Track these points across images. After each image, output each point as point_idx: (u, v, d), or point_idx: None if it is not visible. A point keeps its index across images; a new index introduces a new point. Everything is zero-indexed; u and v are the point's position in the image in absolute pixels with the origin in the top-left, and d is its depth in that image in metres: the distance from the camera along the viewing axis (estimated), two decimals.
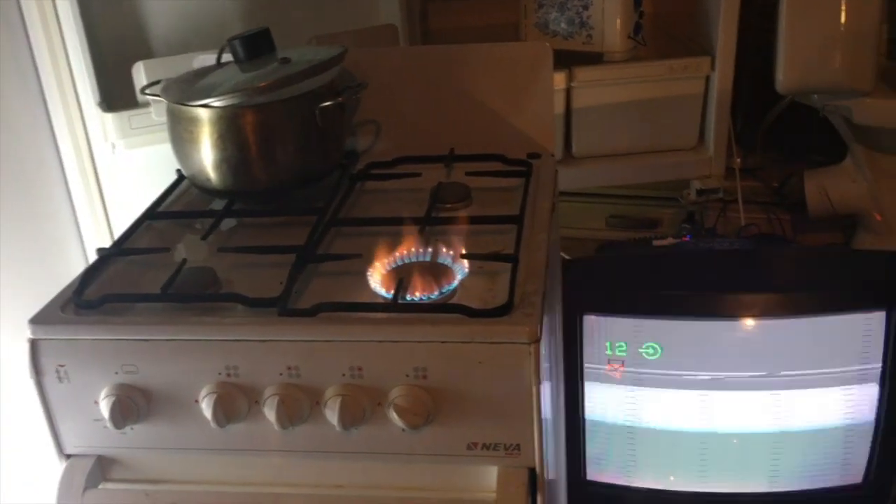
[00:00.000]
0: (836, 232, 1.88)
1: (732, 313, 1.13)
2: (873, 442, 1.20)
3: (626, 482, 1.29)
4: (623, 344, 1.18)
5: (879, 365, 1.15)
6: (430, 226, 0.87)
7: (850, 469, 1.23)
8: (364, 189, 1.02)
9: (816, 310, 1.13)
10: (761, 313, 1.13)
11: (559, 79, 1.57)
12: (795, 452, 1.23)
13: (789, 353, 1.15)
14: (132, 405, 0.74)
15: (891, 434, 1.19)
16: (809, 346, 1.14)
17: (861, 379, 1.17)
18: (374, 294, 0.76)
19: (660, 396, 1.21)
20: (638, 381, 1.20)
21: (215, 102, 0.88)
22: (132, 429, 0.76)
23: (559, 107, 1.62)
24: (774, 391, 1.18)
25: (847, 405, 1.20)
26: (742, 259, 1.28)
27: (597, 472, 1.28)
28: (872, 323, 1.13)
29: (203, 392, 0.73)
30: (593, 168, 1.67)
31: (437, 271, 0.77)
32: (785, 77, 1.53)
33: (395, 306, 0.72)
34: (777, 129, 1.93)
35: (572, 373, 1.19)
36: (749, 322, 1.14)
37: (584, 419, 1.24)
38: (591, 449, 1.27)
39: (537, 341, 0.69)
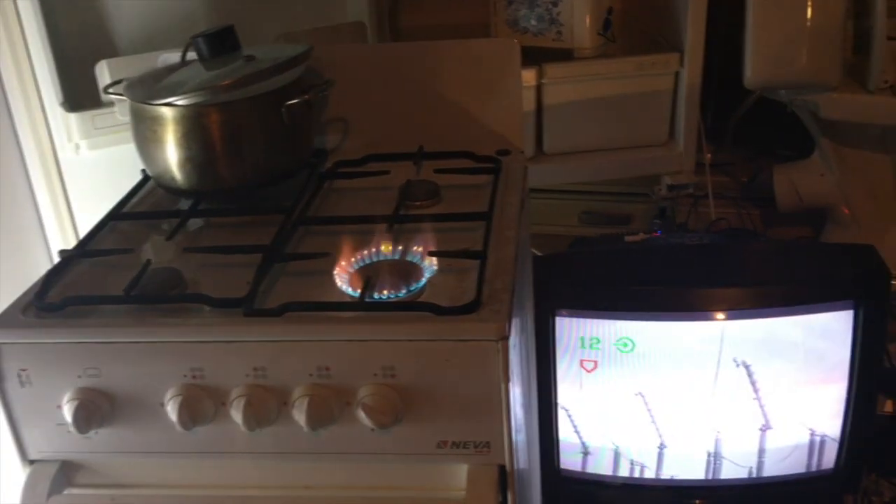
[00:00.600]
0: (806, 226, 1.89)
1: (703, 307, 1.14)
2: (843, 431, 1.21)
3: (601, 475, 1.29)
4: (596, 339, 1.18)
5: (848, 355, 1.16)
6: (399, 224, 0.86)
7: (822, 457, 1.25)
8: (333, 187, 1.01)
9: (786, 303, 1.13)
10: (732, 306, 1.13)
11: (530, 76, 1.57)
12: (769, 443, 1.24)
13: (759, 346, 1.16)
14: (96, 409, 0.73)
15: (860, 423, 1.20)
16: (780, 338, 1.15)
17: (831, 369, 1.18)
18: (342, 293, 0.76)
19: (634, 391, 1.21)
20: (612, 377, 1.21)
21: (179, 101, 0.87)
22: (96, 433, 0.75)
23: (530, 104, 1.62)
24: (746, 384, 1.19)
25: (818, 395, 1.21)
26: (712, 253, 1.29)
27: (571, 465, 1.29)
28: (841, 314, 1.14)
29: (168, 395, 0.72)
30: (565, 165, 1.67)
31: (404, 269, 0.77)
32: (752, 72, 1.54)
33: (362, 305, 0.72)
34: (747, 124, 1.95)
35: (545, 369, 1.19)
36: (720, 315, 1.14)
37: (557, 415, 1.24)
38: (566, 444, 1.27)
39: (505, 338, 0.68)
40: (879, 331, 1.16)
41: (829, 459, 1.24)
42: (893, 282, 1.68)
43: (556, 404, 1.23)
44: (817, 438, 1.23)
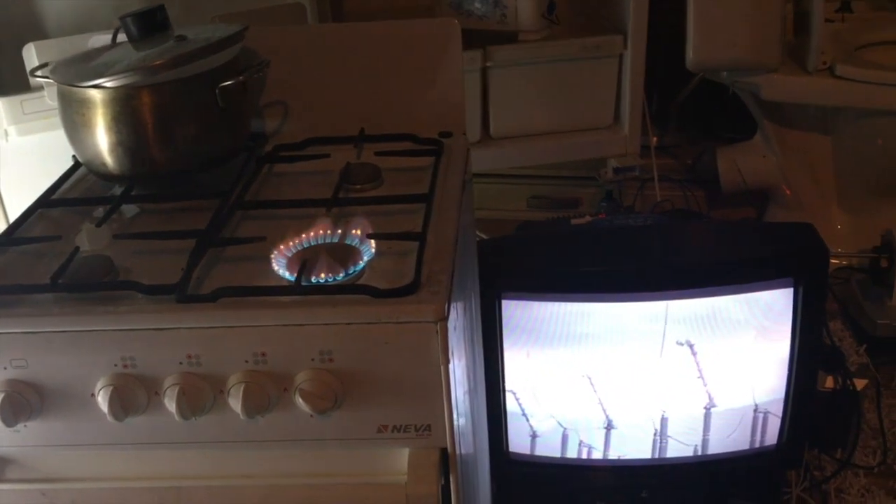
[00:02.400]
0: (750, 207, 1.93)
1: (646, 287, 1.14)
2: (785, 407, 1.23)
3: (549, 457, 1.29)
4: (541, 322, 1.18)
5: (789, 332, 1.18)
6: (338, 207, 0.85)
7: (765, 434, 1.27)
8: (272, 172, 0.99)
9: (727, 281, 1.14)
10: (674, 286, 1.14)
11: (475, 58, 1.57)
12: (713, 420, 1.25)
13: (702, 325, 1.17)
14: (23, 401, 0.70)
15: (801, 399, 1.22)
16: (722, 317, 1.16)
17: (772, 347, 1.20)
18: (279, 278, 0.74)
19: (581, 372, 1.21)
20: (558, 359, 1.21)
21: (107, 83, 0.84)
22: (25, 426, 0.72)
23: (476, 87, 1.62)
24: (690, 362, 1.20)
25: (761, 372, 1.22)
26: (655, 234, 1.30)
27: (520, 448, 1.29)
28: (781, 292, 1.16)
29: (99, 385, 0.70)
30: (511, 148, 1.68)
31: (342, 252, 0.75)
32: (694, 54, 1.56)
33: (298, 289, 0.70)
34: (692, 108, 1.97)
35: (492, 353, 1.19)
36: (663, 295, 1.15)
37: (505, 398, 1.24)
38: (514, 427, 1.27)
39: (444, 319, 0.68)
40: (818, 308, 1.18)
41: (772, 435, 1.26)
42: (837, 261, 1.72)
43: (503, 388, 1.23)
44: (760, 415, 1.25)
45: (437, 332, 0.68)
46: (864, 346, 1.54)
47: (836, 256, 1.70)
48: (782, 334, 1.18)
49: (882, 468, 1.42)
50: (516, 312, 1.17)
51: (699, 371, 1.21)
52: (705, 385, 1.22)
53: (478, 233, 1.64)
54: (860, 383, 1.39)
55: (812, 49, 1.57)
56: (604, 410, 1.24)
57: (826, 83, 1.59)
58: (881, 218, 1.67)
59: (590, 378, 1.21)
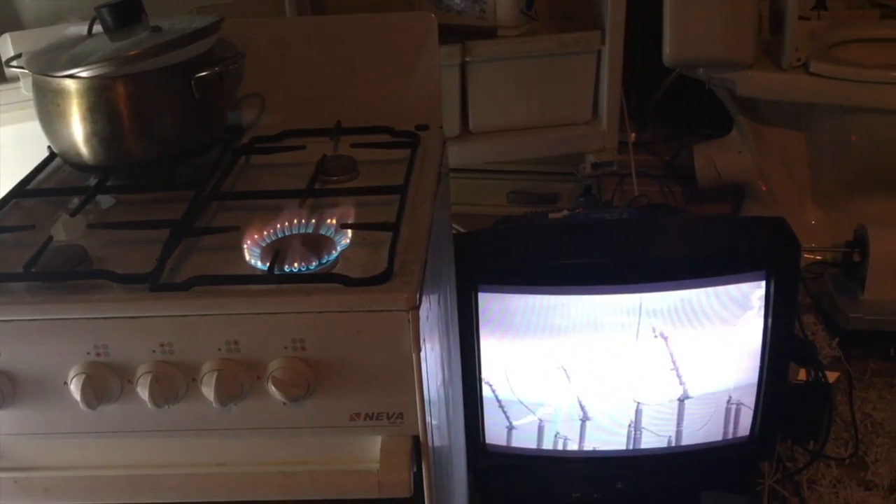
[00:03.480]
0: (726, 202, 1.94)
1: (621, 280, 1.15)
2: (757, 399, 1.25)
3: (525, 449, 1.30)
4: (517, 315, 1.19)
5: (761, 324, 1.19)
6: (313, 198, 0.85)
7: (738, 425, 1.28)
8: (249, 164, 0.99)
9: (700, 274, 1.16)
10: (648, 279, 1.15)
11: (453, 53, 1.57)
12: (689, 412, 1.27)
13: (676, 318, 1.18)
14: None
15: (773, 391, 1.24)
16: (696, 309, 1.18)
17: (745, 339, 1.21)
18: (253, 268, 0.75)
19: (556, 364, 1.22)
20: (534, 351, 1.22)
21: (82, 73, 0.84)
22: None
23: (455, 82, 1.62)
24: (664, 354, 1.22)
25: (734, 364, 1.24)
26: (630, 228, 1.31)
27: (496, 440, 1.30)
28: (753, 285, 1.17)
29: (72, 373, 0.70)
30: (490, 143, 1.68)
31: (316, 242, 0.76)
32: (670, 50, 1.57)
33: (271, 278, 0.71)
34: (671, 104, 1.99)
35: (468, 345, 1.20)
36: (637, 288, 1.16)
37: (481, 391, 1.25)
38: (490, 418, 1.28)
39: (416, 308, 0.68)
40: (791, 300, 1.20)
41: (745, 427, 1.28)
42: (810, 255, 1.74)
43: (479, 379, 1.24)
44: (733, 406, 1.27)
45: (408, 320, 0.68)
46: (837, 339, 1.56)
47: (809, 251, 1.72)
48: (755, 327, 1.20)
49: (853, 460, 1.44)
50: (492, 305, 1.18)
51: (673, 363, 1.22)
52: (679, 377, 1.23)
53: (457, 227, 1.65)
54: (832, 376, 1.41)
55: (787, 46, 1.59)
56: (579, 402, 1.26)
57: (800, 80, 1.61)
58: (855, 213, 1.69)
59: (565, 370, 1.22)
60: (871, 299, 1.52)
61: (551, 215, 1.52)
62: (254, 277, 0.72)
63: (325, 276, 0.71)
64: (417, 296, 0.69)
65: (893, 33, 1.77)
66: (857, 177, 1.71)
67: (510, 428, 1.29)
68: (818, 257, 1.73)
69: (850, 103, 1.60)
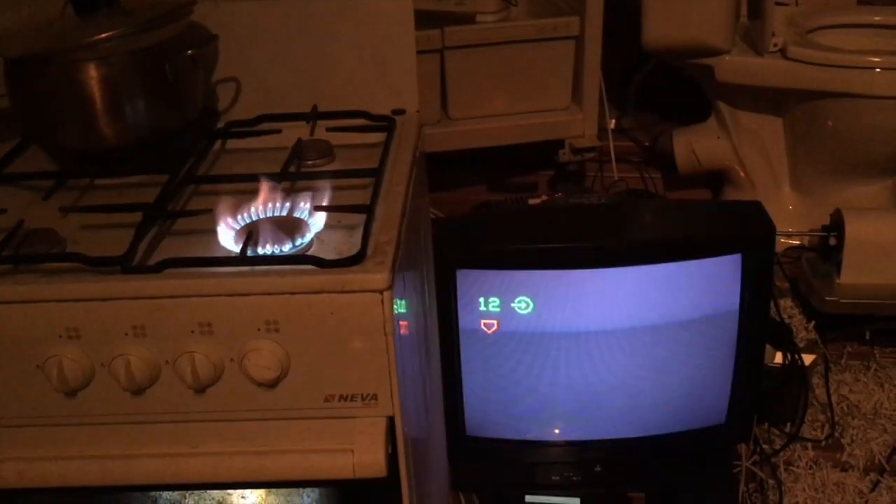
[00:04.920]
0: (705, 188, 1.95)
1: (598, 263, 1.16)
2: (734, 382, 1.26)
3: (506, 436, 1.31)
4: (496, 299, 1.19)
5: (737, 307, 1.20)
6: (289, 181, 0.85)
7: (715, 408, 1.29)
8: (225, 148, 0.99)
9: (676, 257, 1.16)
10: (624, 262, 1.16)
11: (433, 39, 1.57)
12: (665, 397, 1.28)
13: (652, 302, 1.19)
14: None
15: (749, 374, 1.25)
16: (671, 293, 1.18)
17: (721, 323, 1.22)
18: (226, 250, 0.74)
19: (534, 350, 1.23)
20: (512, 337, 1.22)
21: (54, 57, 0.83)
22: None
23: (435, 68, 1.62)
24: (641, 339, 1.22)
25: (709, 348, 1.25)
26: (607, 212, 1.32)
27: (477, 427, 1.30)
28: (729, 268, 1.18)
29: (44, 356, 0.70)
30: (470, 129, 1.69)
31: (290, 225, 0.76)
32: (648, 36, 1.58)
33: (243, 259, 0.71)
34: (651, 90, 1.99)
35: (447, 330, 1.20)
36: (614, 270, 1.17)
37: (461, 377, 1.25)
38: (470, 404, 1.28)
39: (389, 289, 0.69)
40: (766, 283, 1.21)
41: (721, 410, 1.29)
42: (787, 240, 1.75)
43: (459, 367, 1.24)
44: (709, 389, 1.28)
45: (381, 301, 0.69)
46: (813, 322, 1.57)
47: (786, 236, 1.73)
48: (730, 310, 1.21)
49: (829, 441, 1.45)
50: (472, 289, 1.18)
51: (650, 347, 1.23)
52: (657, 360, 1.24)
53: (437, 213, 1.65)
54: (808, 359, 1.42)
55: (764, 32, 1.60)
56: (557, 388, 1.26)
57: (778, 65, 1.62)
58: (832, 198, 1.70)
59: (544, 356, 1.23)
60: (847, 283, 1.53)
61: (530, 201, 1.52)
62: (226, 259, 0.72)
63: (297, 258, 0.72)
64: (390, 277, 0.69)
65: (870, 19, 1.78)
66: (834, 162, 1.72)
67: (490, 414, 1.30)
68: (795, 242, 1.74)
69: (827, 88, 1.61)
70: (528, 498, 1.34)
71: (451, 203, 1.85)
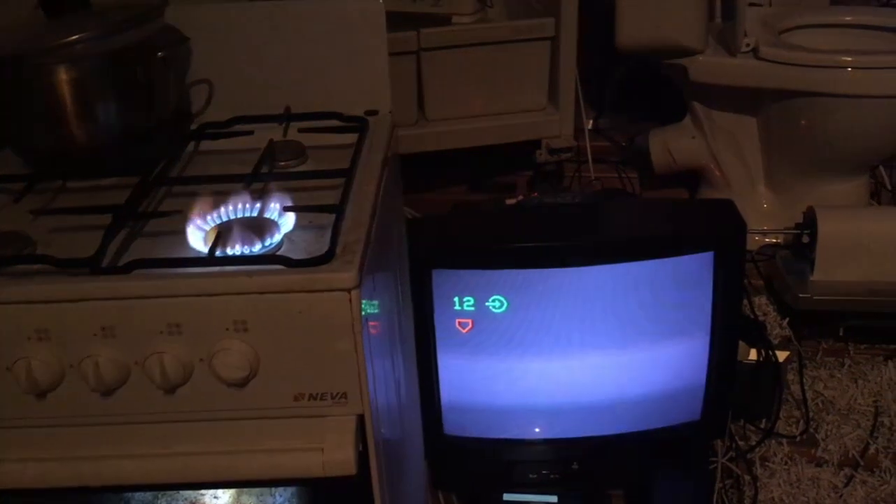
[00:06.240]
0: (682, 188, 1.97)
1: (571, 262, 1.17)
2: (708, 377, 1.27)
3: (483, 434, 1.32)
4: (470, 299, 1.20)
5: (710, 304, 1.21)
6: (259, 182, 0.85)
7: (689, 407, 1.30)
8: (198, 150, 0.99)
9: (649, 255, 1.17)
10: (597, 260, 1.17)
11: (409, 41, 1.58)
12: (640, 395, 1.29)
13: (627, 299, 1.20)
14: None
15: (723, 370, 1.26)
16: (643, 291, 1.19)
17: (695, 319, 1.23)
18: (196, 251, 0.75)
19: (509, 349, 1.24)
20: (487, 336, 1.23)
21: (25, 59, 0.83)
22: None
23: (411, 69, 1.63)
24: (616, 337, 1.23)
25: (684, 345, 1.26)
26: (582, 212, 1.33)
27: (454, 426, 1.31)
28: (701, 266, 1.19)
29: (13, 358, 0.70)
30: (447, 130, 1.69)
31: (260, 225, 0.77)
32: (621, 37, 1.59)
33: (211, 260, 0.71)
34: (628, 91, 2.01)
35: (423, 330, 1.21)
36: (587, 269, 1.17)
37: (438, 377, 1.26)
38: (447, 404, 1.29)
39: (357, 287, 0.69)
40: (738, 279, 1.22)
41: (696, 407, 1.30)
42: (762, 237, 1.77)
43: (435, 366, 1.25)
44: (685, 387, 1.29)
45: (349, 300, 0.69)
46: (788, 319, 1.59)
47: (760, 233, 1.75)
48: (703, 307, 1.22)
49: (804, 437, 1.47)
50: (446, 288, 1.19)
51: (625, 345, 1.24)
52: (631, 358, 1.25)
53: (414, 213, 1.66)
54: (782, 355, 1.43)
55: (736, 32, 1.62)
56: (533, 387, 1.27)
57: (750, 65, 1.63)
58: (806, 196, 1.72)
59: (519, 355, 1.24)
60: (821, 280, 1.55)
61: (507, 201, 1.53)
62: (194, 259, 0.72)
63: (266, 258, 0.72)
64: (358, 276, 0.70)
65: (842, 19, 1.80)
66: (807, 160, 1.74)
67: (467, 414, 1.30)
68: (770, 240, 1.76)
69: (800, 88, 1.62)
70: (505, 496, 1.34)
71: (430, 204, 1.85)
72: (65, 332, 0.70)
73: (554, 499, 1.34)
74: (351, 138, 0.96)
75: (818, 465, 1.43)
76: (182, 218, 0.78)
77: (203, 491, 0.86)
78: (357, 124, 0.98)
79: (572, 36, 1.62)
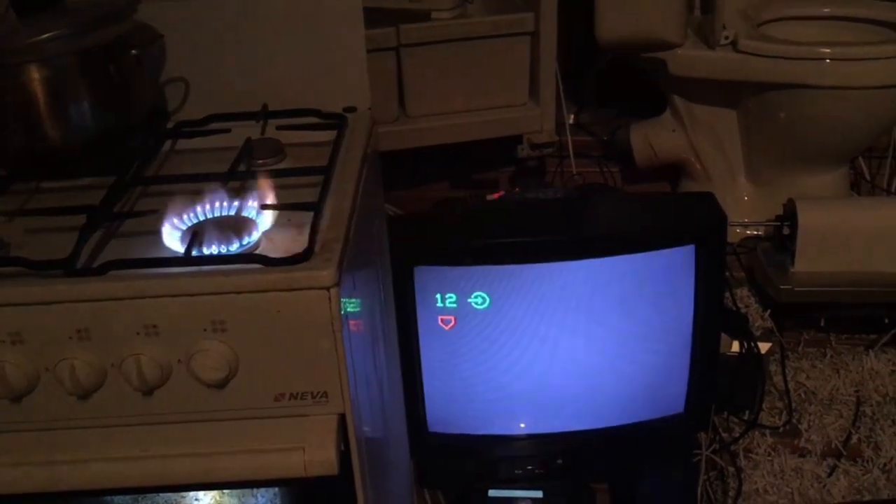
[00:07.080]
0: (663, 182, 1.97)
1: (552, 257, 1.17)
2: (691, 370, 1.27)
3: (467, 431, 1.32)
4: (452, 295, 1.20)
5: (692, 297, 1.21)
6: (236, 181, 0.85)
7: (672, 400, 1.31)
8: (175, 149, 0.98)
9: (630, 249, 1.18)
10: (578, 255, 1.17)
11: (388, 37, 1.57)
12: (623, 388, 1.29)
13: (608, 293, 1.20)
14: None
15: (705, 363, 1.27)
16: (625, 283, 1.20)
17: (676, 312, 1.24)
18: (172, 251, 0.74)
19: (492, 345, 1.23)
20: (470, 332, 1.23)
21: None
22: None
23: (392, 66, 1.62)
24: (599, 331, 1.23)
25: (666, 339, 1.26)
26: (563, 207, 1.33)
27: (438, 423, 1.30)
28: (683, 258, 1.19)
29: None
30: (428, 126, 1.69)
31: (237, 224, 0.76)
32: (600, 31, 1.59)
33: (188, 259, 0.70)
34: (610, 85, 2.01)
35: (405, 327, 1.20)
36: (568, 264, 1.17)
37: (421, 375, 1.25)
38: (431, 401, 1.28)
39: (336, 286, 0.69)
40: (719, 272, 1.22)
41: (679, 400, 1.30)
42: (743, 230, 1.77)
43: (419, 363, 1.24)
44: (668, 380, 1.29)
45: (329, 298, 0.69)
46: (769, 311, 1.59)
47: (741, 226, 1.75)
48: (685, 300, 1.22)
49: (787, 428, 1.47)
50: (428, 285, 1.19)
51: (607, 339, 1.24)
52: (614, 352, 1.25)
53: (396, 210, 1.65)
54: (764, 347, 1.44)
55: (715, 25, 1.62)
56: (517, 383, 1.27)
57: (729, 58, 1.63)
58: (786, 188, 1.72)
59: (502, 351, 1.23)
60: (801, 271, 1.55)
61: (489, 197, 1.53)
62: (170, 260, 0.71)
63: (243, 257, 0.71)
64: (337, 274, 0.69)
65: (820, 11, 1.80)
66: (787, 152, 1.75)
67: (451, 410, 1.30)
68: (752, 232, 1.77)
69: (778, 80, 1.63)
70: (491, 492, 1.34)
71: (412, 200, 1.85)
72: (39, 335, 0.69)
73: (539, 494, 1.34)
74: (329, 135, 0.96)
75: (801, 455, 1.44)
76: (158, 218, 0.77)
77: (184, 493, 0.85)
78: (335, 121, 0.97)
79: (552, 31, 1.61)
